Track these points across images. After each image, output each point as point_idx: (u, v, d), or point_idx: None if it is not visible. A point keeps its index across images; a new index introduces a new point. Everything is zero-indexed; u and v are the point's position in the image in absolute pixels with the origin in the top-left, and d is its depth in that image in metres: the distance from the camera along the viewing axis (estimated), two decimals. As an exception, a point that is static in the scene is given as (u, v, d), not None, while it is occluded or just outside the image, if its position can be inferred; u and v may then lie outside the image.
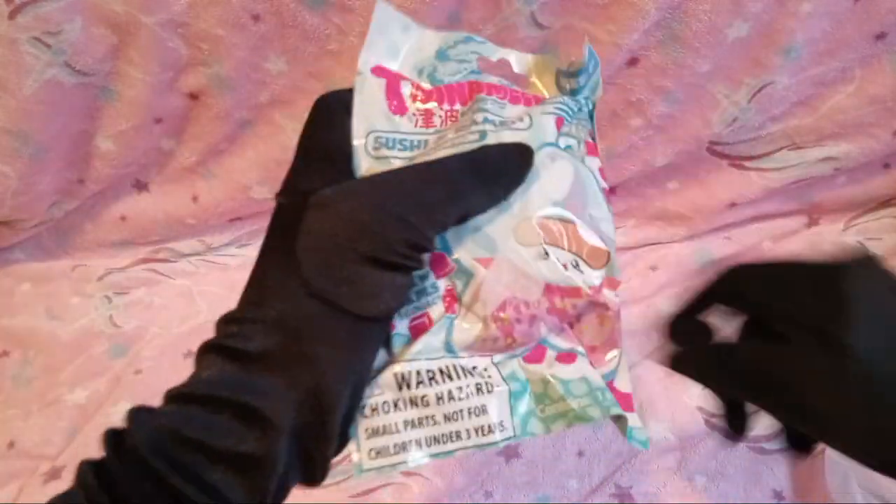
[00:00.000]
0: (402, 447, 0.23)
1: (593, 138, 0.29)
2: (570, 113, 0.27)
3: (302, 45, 0.51)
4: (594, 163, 0.28)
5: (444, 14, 0.49)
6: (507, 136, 0.25)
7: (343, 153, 0.24)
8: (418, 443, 0.23)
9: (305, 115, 0.25)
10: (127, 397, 0.56)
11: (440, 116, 0.26)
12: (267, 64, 0.52)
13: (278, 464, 0.20)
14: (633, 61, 0.52)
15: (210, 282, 0.64)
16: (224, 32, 0.50)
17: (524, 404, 0.25)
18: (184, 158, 0.59)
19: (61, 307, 0.62)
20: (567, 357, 0.26)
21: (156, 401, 0.21)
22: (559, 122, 0.27)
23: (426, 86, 0.27)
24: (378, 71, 0.26)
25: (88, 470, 0.19)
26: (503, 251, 0.25)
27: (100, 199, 0.61)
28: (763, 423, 0.27)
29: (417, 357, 0.24)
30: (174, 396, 0.20)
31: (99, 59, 0.50)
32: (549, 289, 0.25)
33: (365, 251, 0.21)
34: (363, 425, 0.23)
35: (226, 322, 0.22)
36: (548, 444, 0.52)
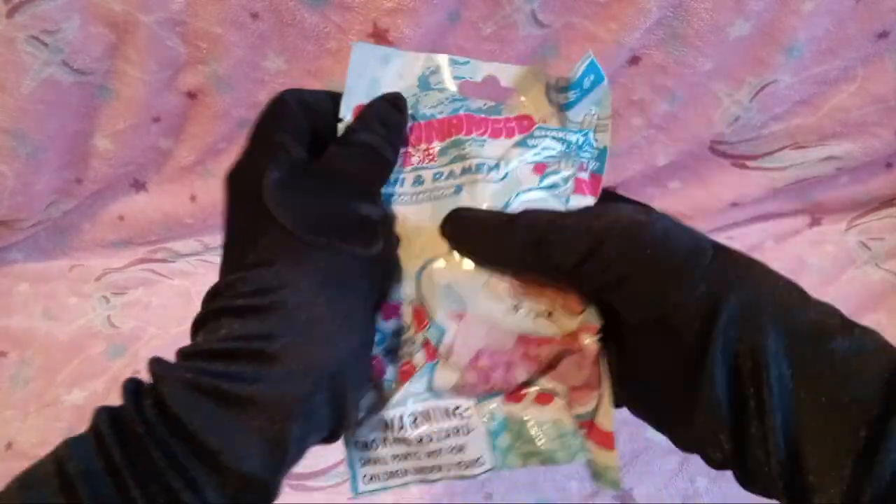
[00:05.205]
0: (392, 475, 0.27)
1: (597, 170, 0.27)
2: (560, 149, 0.26)
3: (301, 44, 0.50)
4: (583, 203, 0.27)
5: (444, 12, 0.49)
6: (481, 190, 0.25)
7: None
8: (405, 472, 0.27)
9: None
10: (125, 398, 0.56)
11: (417, 157, 0.26)
12: (266, 62, 0.52)
13: (293, 406, 0.19)
14: (634, 60, 0.52)
15: (208, 282, 0.63)
16: (222, 31, 0.50)
17: (504, 440, 0.27)
18: (182, 158, 0.59)
19: (59, 307, 0.62)
20: (545, 397, 0.27)
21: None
22: (540, 167, 0.26)
23: None
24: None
25: (105, 418, 0.19)
26: (474, 306, 0.25)
27: (98, 198, 0.61)
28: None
29: (403, 401, 0.26)
30: (187, 353, 0.20)
31: (97, 57, 0.50)
32: (521, 339, 0.26)
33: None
34: (357, 456, 0.26)
35: (214, 293, 0.22)
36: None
